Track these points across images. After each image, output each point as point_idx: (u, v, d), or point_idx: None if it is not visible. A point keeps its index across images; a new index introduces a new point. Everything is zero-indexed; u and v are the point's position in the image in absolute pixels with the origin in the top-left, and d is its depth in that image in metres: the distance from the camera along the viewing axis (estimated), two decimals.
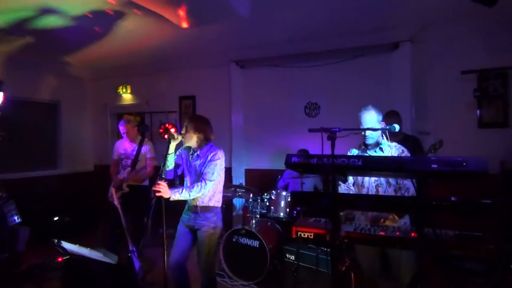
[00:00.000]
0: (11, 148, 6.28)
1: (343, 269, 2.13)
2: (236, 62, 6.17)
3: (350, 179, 3.02)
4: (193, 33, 5.11)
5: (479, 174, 1.74)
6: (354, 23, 4.86)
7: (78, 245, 3.09)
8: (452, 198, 1.85)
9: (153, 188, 2.92)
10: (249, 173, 6.27)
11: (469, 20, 4.61)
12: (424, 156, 3.79)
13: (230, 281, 4.34)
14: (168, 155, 3.17)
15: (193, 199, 3.17)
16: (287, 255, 4.01)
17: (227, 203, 5.48)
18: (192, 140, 3.20)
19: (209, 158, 3.15)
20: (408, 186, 2.76)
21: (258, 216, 4.59)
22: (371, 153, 2.92)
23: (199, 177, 3.16)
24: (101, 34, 5.17)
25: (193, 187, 3.06)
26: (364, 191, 2.94)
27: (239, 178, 6.21)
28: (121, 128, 4.86)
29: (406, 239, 2.17)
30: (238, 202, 6.12)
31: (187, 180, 3.31)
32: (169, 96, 7.00)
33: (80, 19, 4.50)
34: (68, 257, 3.27)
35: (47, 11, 4.27)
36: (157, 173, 3.13)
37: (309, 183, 5.00)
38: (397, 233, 2.24)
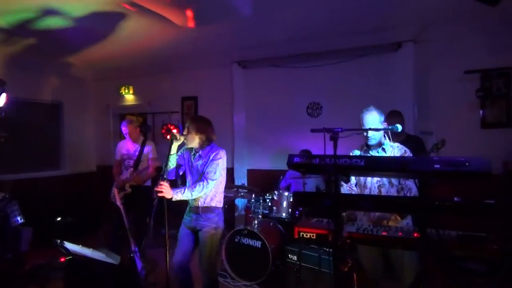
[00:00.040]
0: (14, 148, 6.30)
1: (346, 269, 2.13)
2: (238, 62, 6.17)
3: (353, 179, 3.02)
4: (195, 34, 5.12)
5: (482, 174, 1.73)
6: (356, 23, 4.85)
7: (80, 246, 3.10)
8: (455, 199, 1.84)
9: (155, 189, 2.92)
10: (251, 173, 6.27)
11: (472, 20, 4.60)
12: (426, 156, 3.78)
13: (232, 281, 4.33)
14: (170, 156, 3.18)
15: (195, 199, 3.17)
16: (289, 255, 4.00)
17: (229, 203, 5.50)
18: (194, 141, 3.20)
19: (211, 157, 3.16)
20: (411, 187, 2.75)
21: (260, 216, 4.59)
22: (373, 153, 2.91)
23: (201, 176, 3.16)
24: (103, 35, 5.19)
25: (195, 186, 3.06)
26: (366, 192, 2.94)
27: (241, 179, 6.21)
28: (124, 129, 4.87)
29: (408, 240, 2.17)
30: (240, 202, 6.12)
31: (189, 180, 3.32)
32: (171, 96, 7.00)
33: (82, 20, 4.51)
34: (70, 257, 3.28)
35: (49, 12, 4.28)
36: (159, 174, 3.14)
37: (311, 183, 4.99)
38: (400, 234, 2.24)
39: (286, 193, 4.68)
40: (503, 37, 4.56)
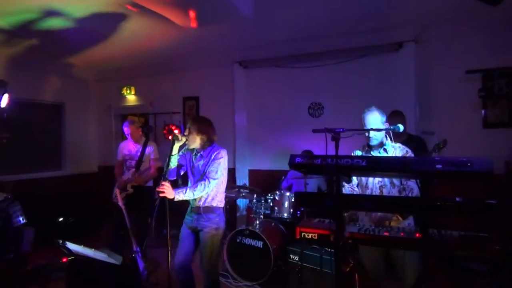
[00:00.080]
0: (16, 149, 6.32)
1: (347, 270, 2.13)
2: (240, 62, 6.17)
3: (354, 180, 3.02)
4: (196, 34, 5.13)
5: (484, 174, 1.73)
6: (357, 23, 4.85)
7: (82, 246, 3.10)
8: (457, 199, 1.84)
9: (157, 189, 2.93)
10: (252, 173, 6.27)
11: (473, 19, 4.60)
12: (428, 156, 3.78)
13: (234, 281, 4.33)
14: (171, 156, 3.18)
15: (196, 199, 3.17)
16: (291, 255, 4.00)
17: (231, 203, 5.50)
18: (196, 142, 3.20)
19: (212, 157, 3.16)
20: (412, 187, 2.74)
21: (262, 216, 4.59)
22: (375, 154, 2.91)
23: (202, 176, 3.16)
24: (104, 36, 5.20)
25: (197, 186, 3.06)
26: (368, 192, 2.94)
27: (242, 179, 6.21)
28: (125, 129, 4.88)
29: (410, 240, 2.16)
30: (242, 202, 6.12)
31: (191, 181, 3.32)
32: (172, 97, 7.01)
33: (84, 21, 4.52)
34: (72, 257, 3.29)
35: (51, 13, 4.29)
36: (161, 174, 3.14)
37: (313, 183, 4.99)
38: (401, 234, 2.23)
39: (287, 193, 4.67)
40: (504, 37, 4.56)
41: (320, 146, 2.18)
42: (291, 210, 4.62)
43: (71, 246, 3.01)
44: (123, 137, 5.25)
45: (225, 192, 3.37)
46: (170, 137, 3.20)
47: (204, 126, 3.23)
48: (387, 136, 2.95)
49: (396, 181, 2.85)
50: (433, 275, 2.85)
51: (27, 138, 6.55)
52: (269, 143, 6.10)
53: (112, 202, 4.60)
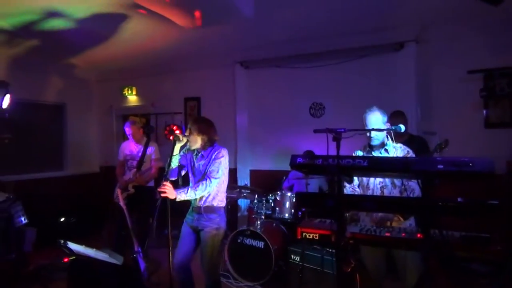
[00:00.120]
0: (18, 149, 6.34)
1: (349, 270, 2.13)
2: (241, 63, 6.18)
3: (355, 180, 3.01)
4: (198, 35, 5.13)
5: (486, 174, 1.73)
6: (357, 23, 4.85)
7: (84, 246, 3.11)
8: (459, 199, 1.84)
9: (158, 189, 2.93)
10: (254, 174, 6.27)
11: (474, 19, 4.59)
12: (429, 157, 3.77)
13: (235, 282, 4.34)
14: (172, 156, 3.18)
15: (197, 199, 3.18)
16: (292, 256, 4.00)
17: (232, 204, 5.50)
18: (197, 142, 3.21)
19: (213, 157, 3.17)
20: (413, 187, 2.74)
21: (263, 217, 4.59)
22: (376, 154, 2.90)
23: (203, 176, 3.17)
24: (106, 36, 5.20)
25: (198, 185, 3.07)
26: (369, 193, 2.93)
27: (244, 179, 6.21)
28: (127, 130, 4.88)
29: (411, 240, 2.16)
30: (243, 203, 6.12)
31: (192, 181, 3.32)
32: (174, 97, 7.02)
33: (85, 21, 4.53)
34: (74, 257, 3.29)
35: (52, 14, 4.30)
36: (162, 174, 3.14)
37: (314, 184, 4.99)
38: (403, 234, 2.23)
39: (289, 194, 4.68)
40: (505, 36, 4.55)
41: (321, 147, 2.18)
42: (292, 210, 4.62)
43: (72, 246, 3.01)
44: (124, 138, 5.26)
45: (226, 192, 3.37)
46: (171, 138, 3.20)
47: (205, 127, 3.23)
48: (388, 136, 2.95)
49: (397, 181, 2.84)
50: (435, 275, 2.84)
51: (29, 139, 6.56)
52: (270, 143, 6.10)
53: (113, 202, 4.61)
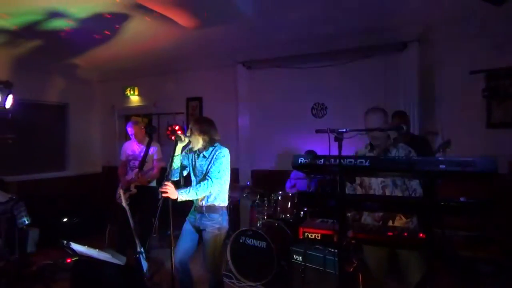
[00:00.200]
0: (21, 150, 6.36)
1: (351, 270, 2.13)
2: (243, 63, 6.17)
3: (357, 180, 3.01)
4: (200, 35, 5.14)
5: (488, 174, 1.73)
6: (360, 23, 4.84)
7: (86, 246, 3.11)
8: (461, 199, 1.83)
9: (160, 189, 2.93)
10: (256, 174, 6.27)
11: (477, 19, 4.57)
12: (431, 156, 3.76)
13: (237, 282, 4.34)
14: (174, 157, 3.19)
15: (198, 199, 3.18)
16: (294, 256, 4.00)
17: (234, 204, 5.50)
18: (199, 143, 3.21)
19: (214, 157, 3.17)
20: (415, 187, 2.73)
21: (265, 217, 4.59)
22: (377, 154, 2.90)
23: (205, 176, 3.17)
24: (108, 37, 5.21)
25: (199, 186, 3.07)
26: (370, 192, 2.93)
27: (245, 179, 6.21)
28: (129, 130, 4.89)
29: (414, 240, 2.16)
30: (245, 203, 6.12)
31: (194, 181, 3.33)
32: (176, 97, 7.02)
33: (87, 21, 4.54)
34: (77, 258, 3.30)
35: (55, 14, 4.32)
36: (164, 174, 3.15)
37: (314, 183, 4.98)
38: (405, 234, 2.23)
39: (290, 194, 4.67)
40: (508, 36, 4.53)
41: (323, 147, 2.18)
42: (294, 210, 4.61)
43: (75, 246, 3.02)
44: (126, 138, 5.27)
45: (228, 192, 3.37)
46: (173, 138, 3.20)
47: (206, 127, 3.23)
48: (390, 136, 2.94)
49: (398, 181, 2.84)
50: (437, 275, 2.84)
51: (31, 139, 6.59)
52: (272, 143, 6.10)
53: (116, 202, 4.62)
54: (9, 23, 4.59)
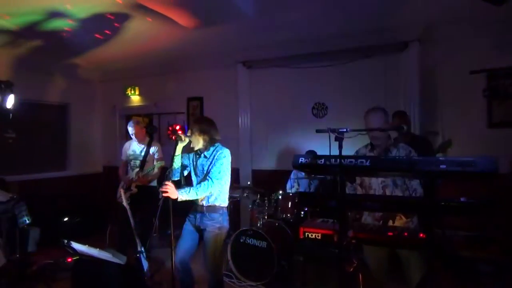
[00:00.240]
0: (21, 149, 6.37)
1: (351, 269, 2.13)
2: (243, 63, 6.18)
3: (357, 180, 3.01)
4: (200, 35, 5.14)
5: (489, 174, 1.73)
6: (361, 23, 4.84)
7: (87, 246, 3.12)
8: (461, 199, 1.83)
9: (160, 189, 2.94)
10: (256, 173, 6.27)
11: (478, 19, 4.57)
12: (432, 156, 3.76)
13: (238, 281, 4.34)
14: (175, 157, 3.19)
15: (199, 199, 3.18)
16: (294, 255, 4.00)
17: (234, 203, 5.50)
18: (199, 143, 3.22)
19: (215, 157, 3.17)
20: (415, 187, 2.74)
21: (265, 216, 4.59)
22: (378, 153, 2.90)
23: (205, 176, 3.17)
24: (109, 36, 5.22)
25: (200, 186, 3.07)
26: (371, 192, 2.93)
27: (246, 179, 6.21)
28: (130, 130, 4.89)
29: (414, 240, 2.16)
30: (245, 202, 6.12)
31: (194, 181, 3.33)
32: (177, 97, 7.02)
33: (88, 21, 4.54)
34: (77, 257, 3.30)
35: (56, 14, 4.32)
36: (164, 174, 3.15)
37: (314, 183, 4.98)
38: (406, 234, 2.23)
39: (291, 194, 4.67)
40: (509, 36, 4.53)
41: (324, 147, 2.18)
42: (295, 210, 4.61)
43: (76, 246, 3.03)
44: (127, 137, 5.28)
45: (229, 192, 3.37)
46: (173, 138, 3.21)
47: (206, 127, 3.23)
48: (391, 136, 2.94)
49: (399, 181, 2.84)
50: (438, 275, 2.84)
51: (32, 139, 6.59)
52: (272, 143, 6.11)
53: (116, 202, 4.63)
54: (10, 23, 4.59)
